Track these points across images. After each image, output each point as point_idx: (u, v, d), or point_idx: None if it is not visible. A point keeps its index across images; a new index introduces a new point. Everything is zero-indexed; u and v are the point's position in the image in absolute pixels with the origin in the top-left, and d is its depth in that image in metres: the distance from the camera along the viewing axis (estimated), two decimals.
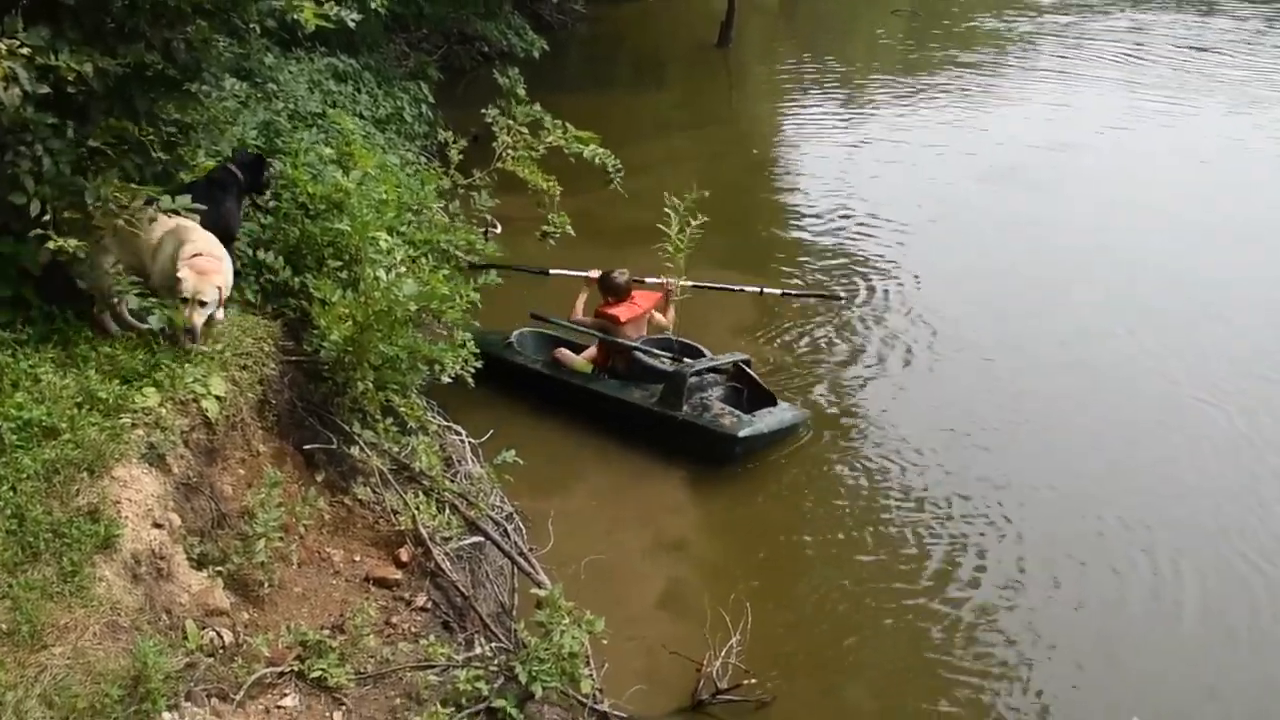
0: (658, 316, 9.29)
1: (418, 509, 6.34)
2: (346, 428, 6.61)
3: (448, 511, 6.52)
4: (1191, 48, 22.44)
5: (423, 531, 6.25)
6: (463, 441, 7.57)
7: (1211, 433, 8.74)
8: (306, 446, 6.51)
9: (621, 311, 8.85)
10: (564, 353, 9.16)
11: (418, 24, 15.65)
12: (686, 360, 8.69)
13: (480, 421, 7.86)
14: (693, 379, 8.45)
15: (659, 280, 9.30)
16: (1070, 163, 15.40)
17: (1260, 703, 6.29)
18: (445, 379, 7.14)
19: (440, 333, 7.37)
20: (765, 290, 10.30)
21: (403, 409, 6.90)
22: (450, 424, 7.72)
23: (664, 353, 8.86)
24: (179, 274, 5.54)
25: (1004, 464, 8.31)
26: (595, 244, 11.60)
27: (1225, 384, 9.41)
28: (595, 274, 9.17)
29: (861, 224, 13.01)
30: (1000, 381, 9.51)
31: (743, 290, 10.03)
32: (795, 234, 13.06)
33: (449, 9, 15.47)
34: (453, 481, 6.85)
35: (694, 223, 8.82)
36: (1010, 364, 9.81)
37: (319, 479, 6.45)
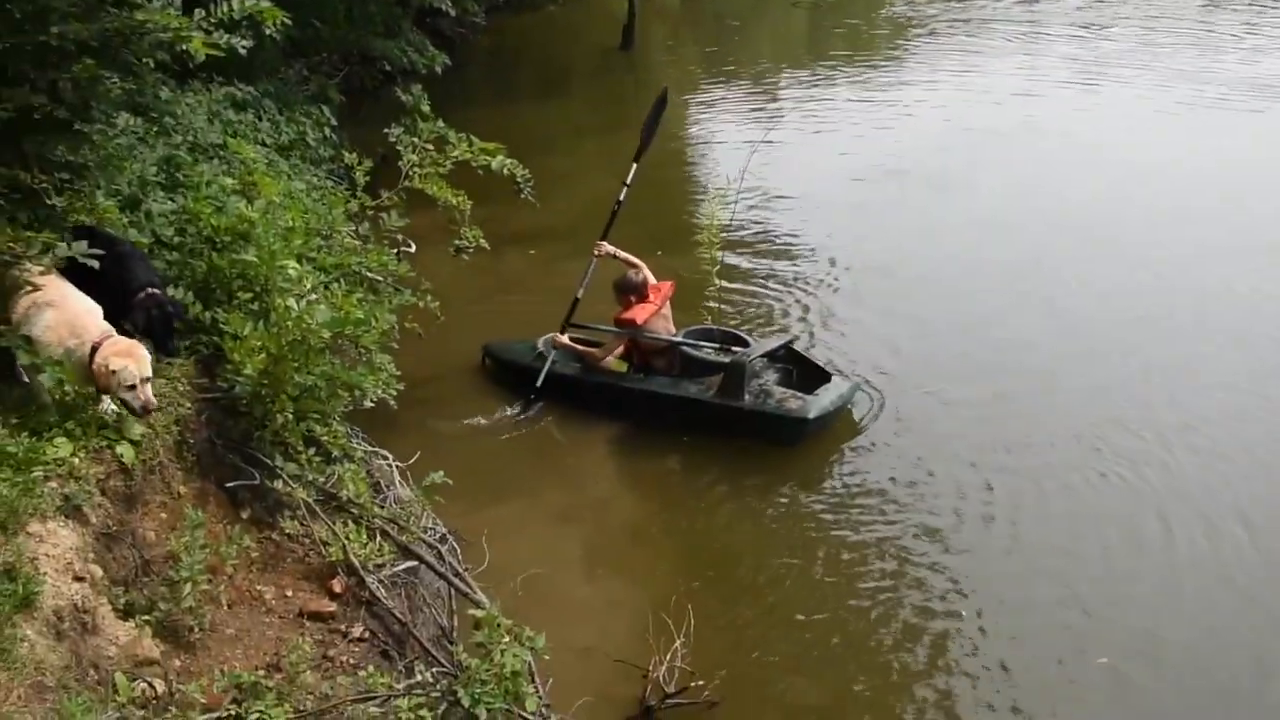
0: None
1: (347, 538, 6.24)
2: (269, 461, 6.46)
3: (379, 538, 6.43)
4: (1087, 25, 22.89)
5: (354, 560, 6.15)
6: (390, 465, 7.46)
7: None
8: (229, 484, 6.36)
9: (638, 314, 8.84)
10: (596, 353, 9.12)
11: (316, 48, 15.41)
12: (736, 349, 8.68)
13: (406, 445, 7.76)
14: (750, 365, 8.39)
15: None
16: (983, 146, 15.63)
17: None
18: (368, 403, 7.05)
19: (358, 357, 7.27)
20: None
21: (325, 438, 6.79)
22: (376, 449, 7.60)
23: (709, 344, 8.87)
24: (113, 367, 5.27)
25: (969, 459, 8.23)
26: (510, 254, 11.58)
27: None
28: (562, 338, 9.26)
29: (788, 209, 13.23)
30: (965, 378, 9.37)
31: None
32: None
33: (346, 30, 15.26)
34: (382, 507, 6.75)
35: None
36: (973, 367, 9.62)
37: (244, 516, 6.32)
